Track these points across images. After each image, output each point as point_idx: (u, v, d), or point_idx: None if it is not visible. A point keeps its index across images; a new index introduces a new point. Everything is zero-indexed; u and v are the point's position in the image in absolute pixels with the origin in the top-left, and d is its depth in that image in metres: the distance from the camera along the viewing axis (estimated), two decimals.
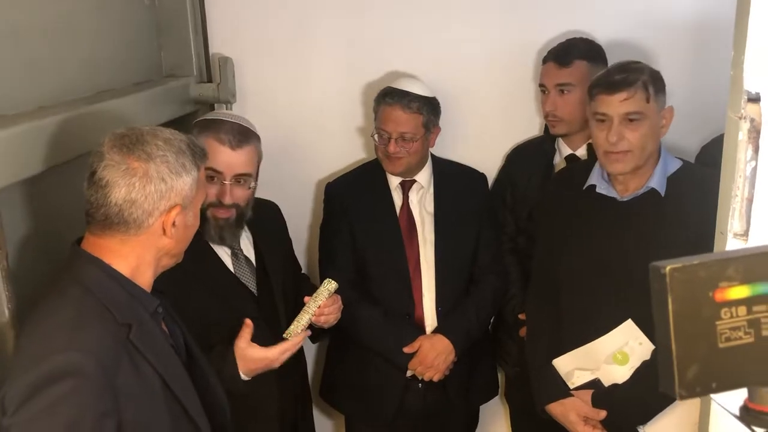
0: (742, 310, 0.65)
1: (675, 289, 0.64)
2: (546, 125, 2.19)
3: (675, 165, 1.72)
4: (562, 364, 1.77)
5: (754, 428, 0.67)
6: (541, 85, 2.08)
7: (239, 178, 1.64)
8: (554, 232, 1.84)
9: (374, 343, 2.03)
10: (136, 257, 1.18)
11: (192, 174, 1.19)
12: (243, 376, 1.55)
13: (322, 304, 1.66)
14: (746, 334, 0.65)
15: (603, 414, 1.75)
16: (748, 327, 0.65)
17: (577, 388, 1.77)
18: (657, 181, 1.69)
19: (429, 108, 2.02)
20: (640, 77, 1.63)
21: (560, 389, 1.78)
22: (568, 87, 2.00)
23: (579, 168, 1.88)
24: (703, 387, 0.65)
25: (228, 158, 1.62)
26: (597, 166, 1.77)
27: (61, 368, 1.04)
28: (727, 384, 0.66)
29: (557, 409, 1.79)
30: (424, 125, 2.00)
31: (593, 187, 1.76)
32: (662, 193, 1.68)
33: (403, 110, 1.98)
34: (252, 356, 1.54)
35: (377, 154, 2.07)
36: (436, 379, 2.01)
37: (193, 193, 1.21)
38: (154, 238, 1.18)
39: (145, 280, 1.20)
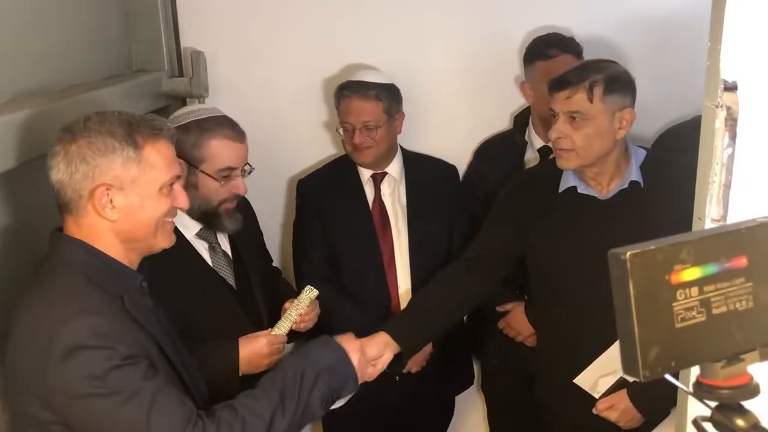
0: (694, 290, 0.68)
1: (635, 274, 0.67)
2: (516, 118, 2.22)
3: (641, 154, 1.74)
4: (585, 378, 1.76)
5: (707, 402, 0.71)
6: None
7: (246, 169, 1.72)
8: (527, 233, 1.80)
9: None
10: (99, 239, 1.19)
11: (125, 154, 1.16)
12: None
13: (303, 312, 1.69)
14: (699, 314, 0.68)
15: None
16: (700, 306, 0.68)
17: (603, 395, 1.75)
18: (636, 174, 1.70)
19: (388, 94, 2.03)
20: (590, 77, 1.63)
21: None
22: None
23: (542, 171, 1.86)
24: (664, 367, 0.68)
25: (243, 152, 1.68)
26: None
27: (82, 333, 1.07)
28: (685, 362, 0.69)
29: (605, 405, 1.75)
30: (385, 111, 2.02)
31: (572, 189, 1.74)
32: (642, 185, 1.70)
33: (362, 100, 1.99)
34: (254, 335, 1.61)
35: (345, 147, 2.08)
36: (413, 370, 2.03)
37: (133, 173, 1.17)
38: (98, 221, 1.17)
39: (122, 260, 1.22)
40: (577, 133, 1.63)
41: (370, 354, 1.51)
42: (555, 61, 2.03)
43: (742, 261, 0.70)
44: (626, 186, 1.70)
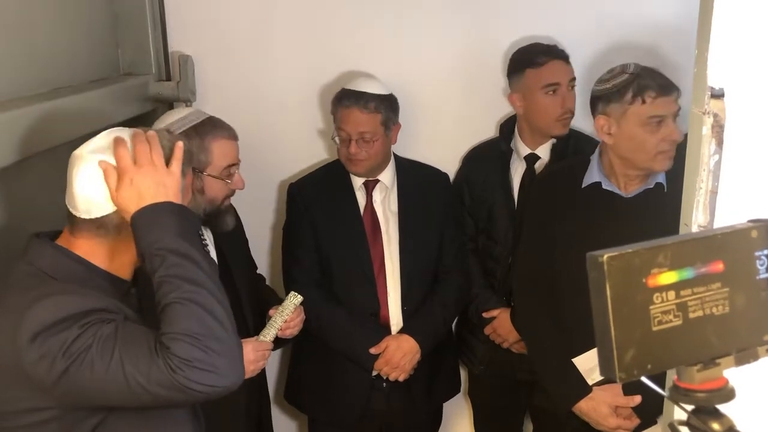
0: (671, 294, 0.69)
1: (612, 276, 0.67)
2: (502, 126, 2.24)
3: None
4: (583, 361, 1.77)
5: (683, 405, 0.71)
6: (551, 85, 2.04)
7: None
8: (552, 229, 1.83)
9: (340, 344, 2.03)
10: (106, 257, 1.18)
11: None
12: None
13: (288, 318, 1.68)
14: (675, 317, 0.69)
15: (638, 399, 1.74)
16: (677, 310, 0.69)
17: (597, 384, 1.77)
18: (662, 176, 1.75)
19: (386, 106, 2.02)
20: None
21: (586, 386, 1.77)
22: (574, 82, 2.08)
23: (576, 165, 1.88)
24: (640, 369, 0.69)
25: (237, 149, 1.74)
26: (595, 164, 1.79)
27: (39, 317, 1.04)
28: (661, 365, 0.70)
29: (587, 405, 1.77)
30: (383, 123, 2.01)
31: (597, 184, 1.78)
32: (665, 188, 1.74)
33: (361, 111, 1.98)
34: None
35: (340, 156, 2.08)
36: (401, 379, 2.02)
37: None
38: (117, 244, 1.17)
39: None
40: (679, 132, 1.67)
41: None
42: (545, 67, 2.05)
43: (719, 266, 0.71)
44: (651, 186, 1.75)
